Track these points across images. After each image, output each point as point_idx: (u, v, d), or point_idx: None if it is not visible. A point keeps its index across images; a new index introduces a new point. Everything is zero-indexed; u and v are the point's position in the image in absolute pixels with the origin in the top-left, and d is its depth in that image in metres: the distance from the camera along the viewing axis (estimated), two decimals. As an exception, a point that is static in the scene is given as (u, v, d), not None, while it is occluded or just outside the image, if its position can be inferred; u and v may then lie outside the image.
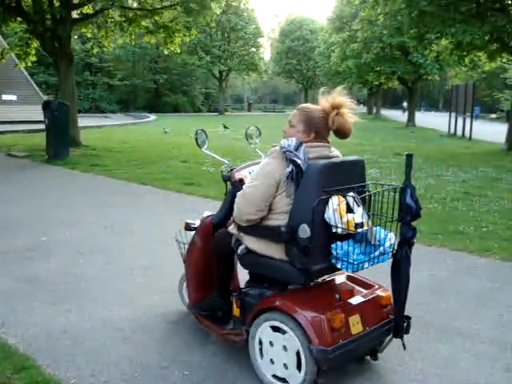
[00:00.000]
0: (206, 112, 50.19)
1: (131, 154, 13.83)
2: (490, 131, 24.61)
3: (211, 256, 3.38)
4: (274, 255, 2.91)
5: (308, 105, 3.03)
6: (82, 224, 6.56)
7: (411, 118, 31.80)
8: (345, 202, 2.74)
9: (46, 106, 12.45)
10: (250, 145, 3.88)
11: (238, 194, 2.97)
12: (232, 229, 3.17)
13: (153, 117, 34.86)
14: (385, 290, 3.12)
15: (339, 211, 2.69)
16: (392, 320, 3.00)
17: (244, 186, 2.98)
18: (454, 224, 6.95)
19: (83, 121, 16.06)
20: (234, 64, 45.56)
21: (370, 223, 2.81)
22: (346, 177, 2.89)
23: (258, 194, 2.84)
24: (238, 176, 3.35)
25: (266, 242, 2.94)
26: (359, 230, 2.71)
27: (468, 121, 23.20)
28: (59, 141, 12.37)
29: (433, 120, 36.96)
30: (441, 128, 28.96)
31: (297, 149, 2.79)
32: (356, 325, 2.85)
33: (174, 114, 42.96)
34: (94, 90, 42.90)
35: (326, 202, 2.72)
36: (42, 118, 12.85)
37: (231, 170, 3.46)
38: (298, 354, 2.80)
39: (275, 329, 2.91)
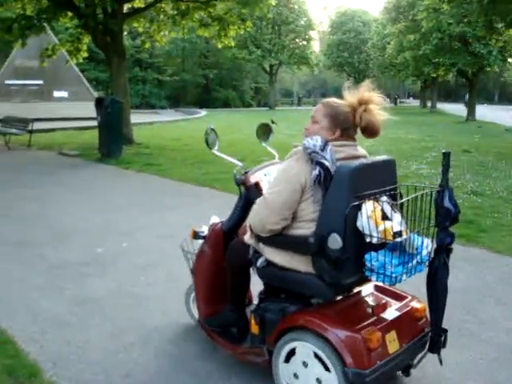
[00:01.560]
0: (255, 107, 49.74)
1: (186, 153, 13.28)
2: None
3: (222, 266, 3.12)
4: (300, 268, 2.62)
5: (333, 99, 2.73)
6: (139, 232, 6.03)
7: (471, 112, 30.35)
8: (379, 207, 2.46)
9: (99, 102, 12.02)
10: (261, 143, 3.50)
11: (258, 201, 2.68)
12: (249, 239, 2.86)
13: (203, 112, 34.46)
14: (419, 301, 2.86)
15: (374, 218, 2.40)
16: (427, 333, 2.77)
17: (265, 193, 2.70)
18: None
19: (134, 117, 15.55)
20: (284, 57, 44.61)
21: (407, 231, 2.53)
22: (378, 179, 2.63)
23: (282, 200, 2.56)
24: (253, 179, 3.03)
25: (290, 253, 2.65)
26: (398, 240, 2.41)
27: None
28: (112, 139, 11.93)
29: (490, 113, 35.30)
30: (501, 122, 27.57)
31: (323, 149, 2.51)
32: (393, 342, 2.59)
33: (224, 109, 42.56)
34: (144, 86, 42.96)
35: (359, 208, 2.44)
36: (92, 114, 12.47)
37: (245, 172, 3.12)
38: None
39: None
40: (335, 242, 2.42)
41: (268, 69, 46.26)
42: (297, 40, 46.53)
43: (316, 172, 2.47)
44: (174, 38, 17.71)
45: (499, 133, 22.25)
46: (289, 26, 45.10)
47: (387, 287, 2.86)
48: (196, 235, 3.33)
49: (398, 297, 2.88)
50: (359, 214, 2.43)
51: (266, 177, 3.03)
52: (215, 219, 3.33)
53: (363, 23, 54.07)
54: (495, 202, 7.78)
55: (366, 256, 2.46)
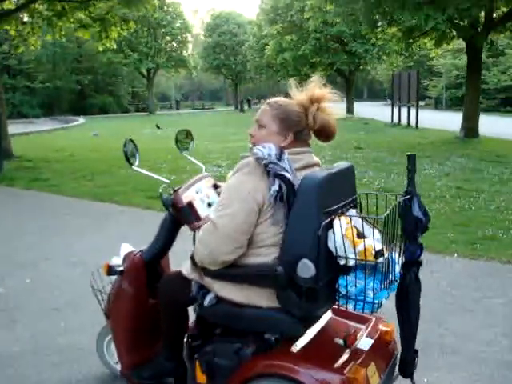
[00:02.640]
0: (134, 112, 48.34)
1: (73, 164, 12.27)
2: (426, 118, 24.24)
3: (146, 304, 2.68)
4: (260, 303, 2.18)
5: (280, 98, 2.33)
6: (43, 262, 5.19)
7: (351, 109, 31.37)
8: (351, 223, 2.08)
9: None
10: (180, 152, 2.94)
11: (206, 227, 2.20)
12: (190, 273, 2.36)
13: (82, 120, 32.77)
14: (384, 322, 2.55)
15: (351, 237, 2.02)
16: (396, 356, 2.45)
17: (213, 217, 2.19)
18: (477, 228, 6.14)
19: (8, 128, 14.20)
20: (162, 61, 43.64)
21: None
22: (342, 190, 2.32)
23: (237, 224, 2.11)
24: (185, 199, 2.46)
25: (247, 287, 2.20)
26: (380, 260, 2.03)
27: (405, 110, 22.93)
28: (-10, 154, 10.69)
29: (362, 109, 36.64)
30: (378, 117, 28.69)
31: (279, 158, 2.12)
32: (373, 376, 2.21)
33: (102, 116, 40.83)
34: (13, 94, 39.88)
35: (329, 226, 2.07)
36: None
37: (174, 191, 2.54)
38: None
39: None
40: (307, 269, 2.01)
41: (145, 73, 45.09)
42: (173, 43, 45.81)
43: (276, 187, 2.07)
44: (44, 42, 16.36)
45: (381, 128, 23.07)
46: (164, 28, 44.23)
47: (344, 309, 2.37)
48: (111, 271, 2.73)
49: (362, 319, 2.51)
50: (330, 232, 2.06)
51: (198, 195, 2.51)
52: (127, 248, 2.79)
53: (238, 25, 54.32)
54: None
55: (341, 281, 2.08)
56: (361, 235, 2.05)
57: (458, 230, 6.06)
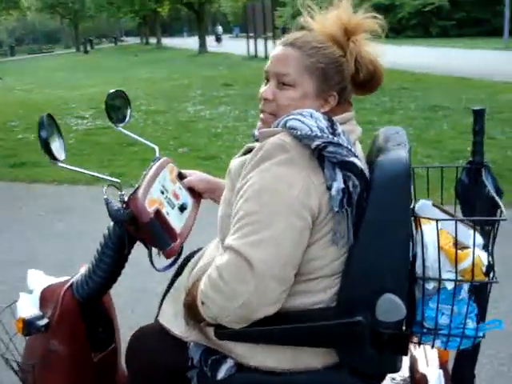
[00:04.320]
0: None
1: None
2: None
3: (91, 364, 1.68)
4: (314, 364, 1.33)
5: (302, 34, 1.39)
6: None
7: (203, 44, 30.19)
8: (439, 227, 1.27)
9: None
10: (116, 126, 1.78)
11: (225, 266, 1.22)
12: (188, 333, 1.41)
13: None
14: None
15: (448, 248, 1.26)
16: None
17: (237, 245, 1.21)
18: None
19: None
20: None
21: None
22: None
23: (284, 255, 1.21)
24: (150, 207, 1.45)
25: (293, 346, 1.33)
26: (491, 278, 1.29)
27: (260, 42, 22.35)
28: None
29: (213, 44, 35.71)
30: (232, 51, 27.93)
31: (333, 133, 1.27)
32: None
33: None
34: None
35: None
36: None
37: (132, 194, 1.46)
38: None
39: None
40: (394, 309, 1.23)
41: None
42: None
43: (340, 184, 1.22)
44: None
45: (240, 62, 22.39)
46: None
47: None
48: (30, 328, 1.59)
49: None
50: (417, 245, 1.30)
51: (163, 196, 1.56)
52: (38, 276, 1.74)
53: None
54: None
55: (428, 312, 1.30)
56: (458, 244, 1.28)
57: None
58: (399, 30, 34.31)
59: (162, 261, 1.56)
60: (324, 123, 1.27)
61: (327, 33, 1.38)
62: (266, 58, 21.88)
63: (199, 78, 15.92)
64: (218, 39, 41.23)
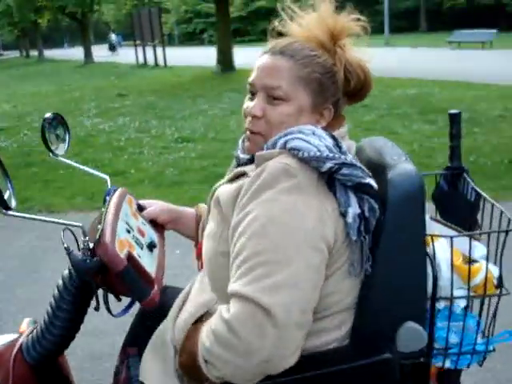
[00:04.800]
0: None
1: None
2: (168, 56, 23.62)
3: None
4: None
5: (289, 41, 1.25)
6: None
7: (89, 54, 29.14)
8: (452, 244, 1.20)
9: None
10: (55, 157, 1.54)
11: (239, 320, 1.02)
12: None
13: None
14: None
15: (460, 265, 1.20)
16: None
17: (251, 293, 1.02)
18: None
19: None
20: None
21: None
22: None
23: (304, 299, 1.05)
24: (122, 252, 1.19)
25: None
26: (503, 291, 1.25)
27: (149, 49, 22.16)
28: None
29: (99, 53, 34.72)
30: (115, 60, 27.30)
31: (340, 151, 1.14)
32: None
33: None
34: None
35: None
36: None
37: (98, 239, 1.19)
38: None
39: None
40: (416, 338, 1.14)
41: None
42: None
43: (356, 209, 1.10)
44: None
45: (129, 70, 21.90)
46: None
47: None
48: None
49: None
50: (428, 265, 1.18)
51: (130, 234, 1.31)
52: None
53: None
54: (216, 146, 7.10)
55: (439, 333, 1.21)
56: (467, 259, 1.21)
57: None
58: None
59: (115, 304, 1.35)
60: (330, 141, 1.13)
61: (311, 38, 1.25)
62: (157, 65, 21.71)
63: (90, 89, 15.33)
64: (112, 48, 39.93)
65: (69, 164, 1.55)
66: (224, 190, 1.22)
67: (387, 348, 1.13)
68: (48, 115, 1.52)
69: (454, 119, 1.46)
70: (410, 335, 1.13)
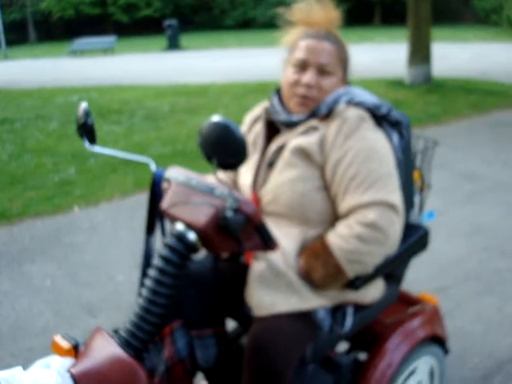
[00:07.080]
0: None
1: None
2: None
3: None
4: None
5: (326, 29, 1.69)
6: None
7: None
8: None
9: None
10: (91, 148, 1.62)
11: (380, 219, 1.46)
12: (302, 302, 1.52)
13: None
14: None
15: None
16: None
17: (378, 197, 1.49)
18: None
19: None
20: None
21: None
22: None
23: (400, 195, 1.58)
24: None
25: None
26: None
27: None
28: None
29: None
30: None
31: None
32: None
33: None
34: None
35: None
36: None
37: (240, 198, 1.32)
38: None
39: None
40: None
41: None
42: None
43: (396, 138, 1.69)
44: None
45: None
46: None
47: None
48: None
49: None
50: None
51: None
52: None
53: None
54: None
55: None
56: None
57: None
58: None
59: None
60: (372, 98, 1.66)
61: (327, 28, 1.68)
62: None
63: None
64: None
65: (108, 154, 1.60)
66: (304, 141, 1.57)
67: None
68: (84, 105, 1.56)
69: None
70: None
